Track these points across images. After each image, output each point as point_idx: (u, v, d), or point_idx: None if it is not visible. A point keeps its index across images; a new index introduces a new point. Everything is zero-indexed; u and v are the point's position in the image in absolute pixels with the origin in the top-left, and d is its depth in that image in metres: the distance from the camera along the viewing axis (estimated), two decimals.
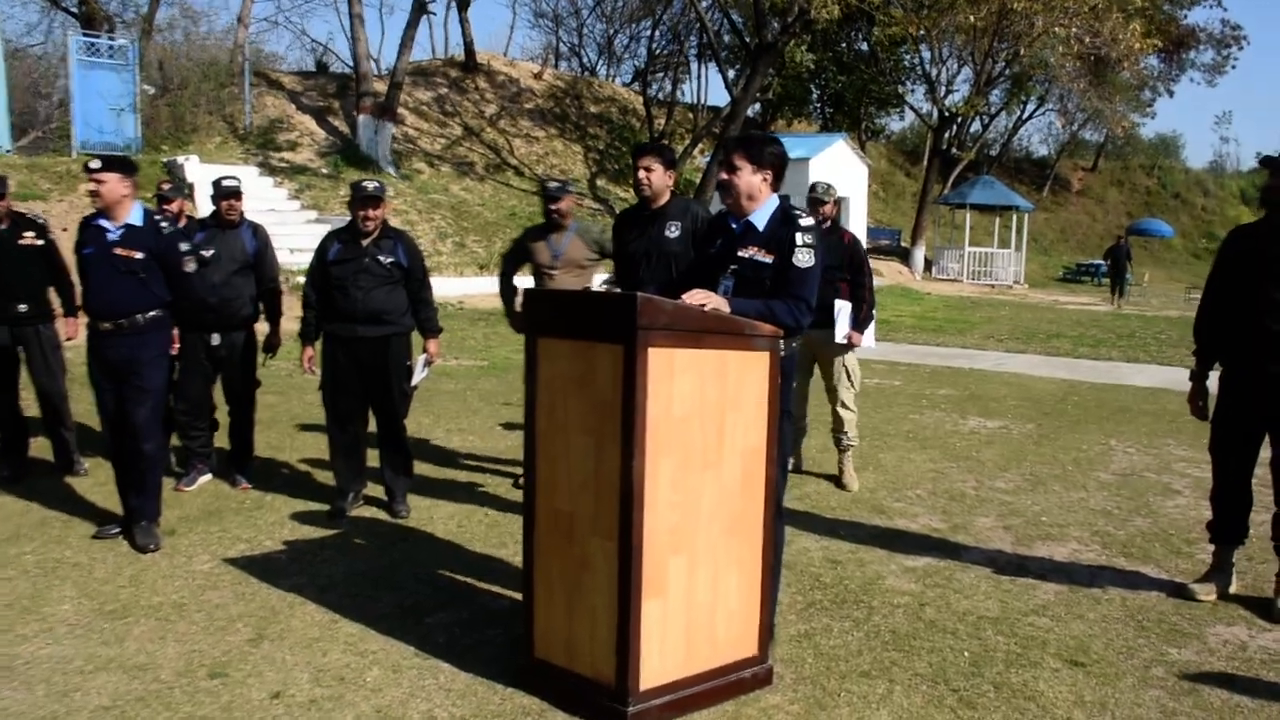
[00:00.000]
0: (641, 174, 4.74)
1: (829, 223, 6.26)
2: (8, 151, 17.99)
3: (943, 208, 30.23)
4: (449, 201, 21.46)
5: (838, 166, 23.16)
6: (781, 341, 3.35)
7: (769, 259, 3.48)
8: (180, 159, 17.82)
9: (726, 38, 26.83)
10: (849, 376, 6.28)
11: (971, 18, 22.94)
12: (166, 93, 23.00)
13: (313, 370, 5.78)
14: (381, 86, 22.38)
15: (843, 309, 6.12)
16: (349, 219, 5.62)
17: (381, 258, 5.52)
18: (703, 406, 3.12)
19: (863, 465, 6.69)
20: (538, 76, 30.35)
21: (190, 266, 5.19)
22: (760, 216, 3.60)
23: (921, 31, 24.45)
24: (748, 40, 21.59)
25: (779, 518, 3.59)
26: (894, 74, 29.84)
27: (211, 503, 5.74)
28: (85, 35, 20.84)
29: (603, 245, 5.92)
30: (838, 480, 6.31)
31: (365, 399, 5.66)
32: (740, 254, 3.53)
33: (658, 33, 28.53)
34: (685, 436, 3.09)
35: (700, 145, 25.50)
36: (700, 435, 3.13)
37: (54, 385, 6.16)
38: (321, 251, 5.66)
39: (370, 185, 5.58)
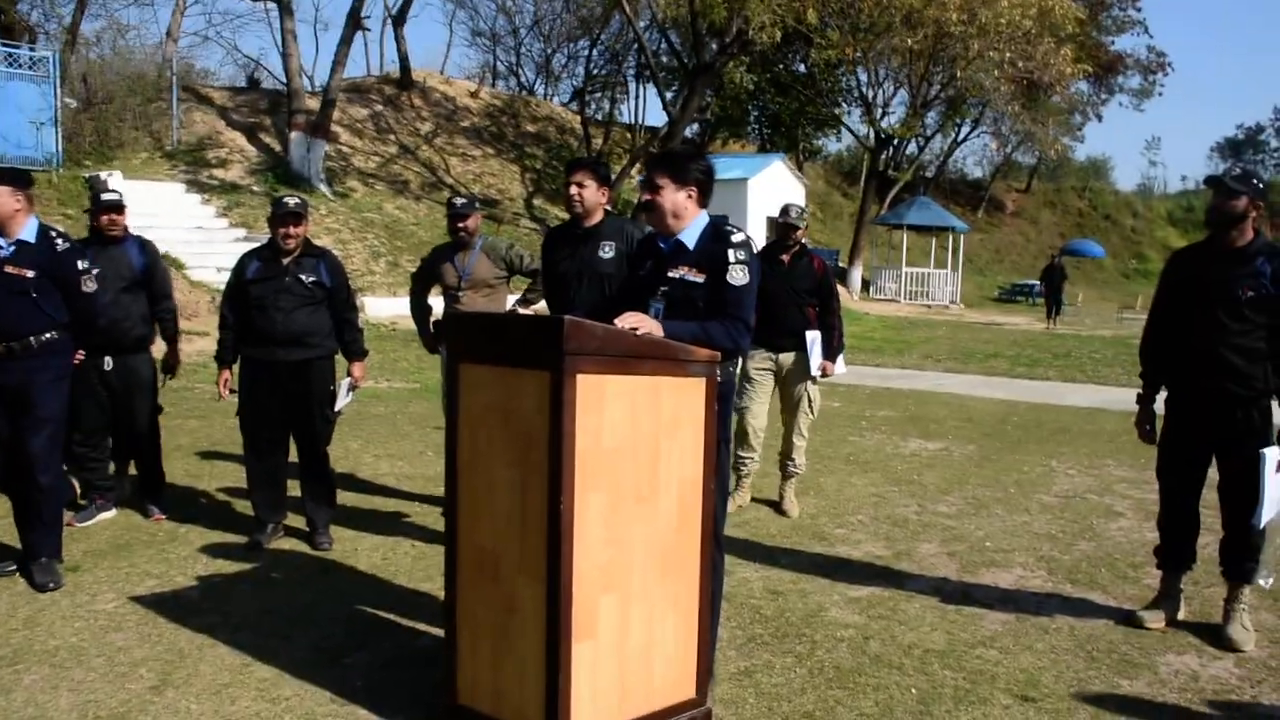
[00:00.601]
0: (573, 189, 4.56)
1: (799, 246, 6.09)
2: None
3: (880, 228, 30.51)
4: (383, 220, 21.09)
5: (776, 187, 23.25)
6: (719, 365, 3.18)
7: (700, 278, 3.31)
8: (103, 174, 17.23)
9: (665, 58, 26.82)
10: (809, 404, 6.13)
11: (908, 41, 23.19)
12: (91, 106, 22.36)
13: (229, 394, 5.49)
14: (315, 103, 21.96)
15: (814, 339, 5.98)
16: (269, 236, 5.36)
17: (303, 276, 5.26)
18: (635, 436, 2.92)
19: (803, 490, 6.54)
20: (474, 95, 30.09)
21: (89, 285, 4.80)
22: (690, 235, 3.43)
23: (858, 54, 24.67)
24: (685, 61, 21.58)
25: (718, 550, 3.41)
26: (831, 95, 30.09)
27: (121, 535, 5.40)
28: (3, 45, 20.18)
29: (511, 262, 5.73)
30: (778, 506, 6.16)
31: (285, 426, 5.38)
32: (670, 274, 3.36)
33: (595, 52, 28.42)
34: (617, 469, 2.88)
35: (638, 165, 25.41)
36: (633, 467, 2.92)
37: None
38: (239, 270, 5.39)
39: (291, 201, 5.33)
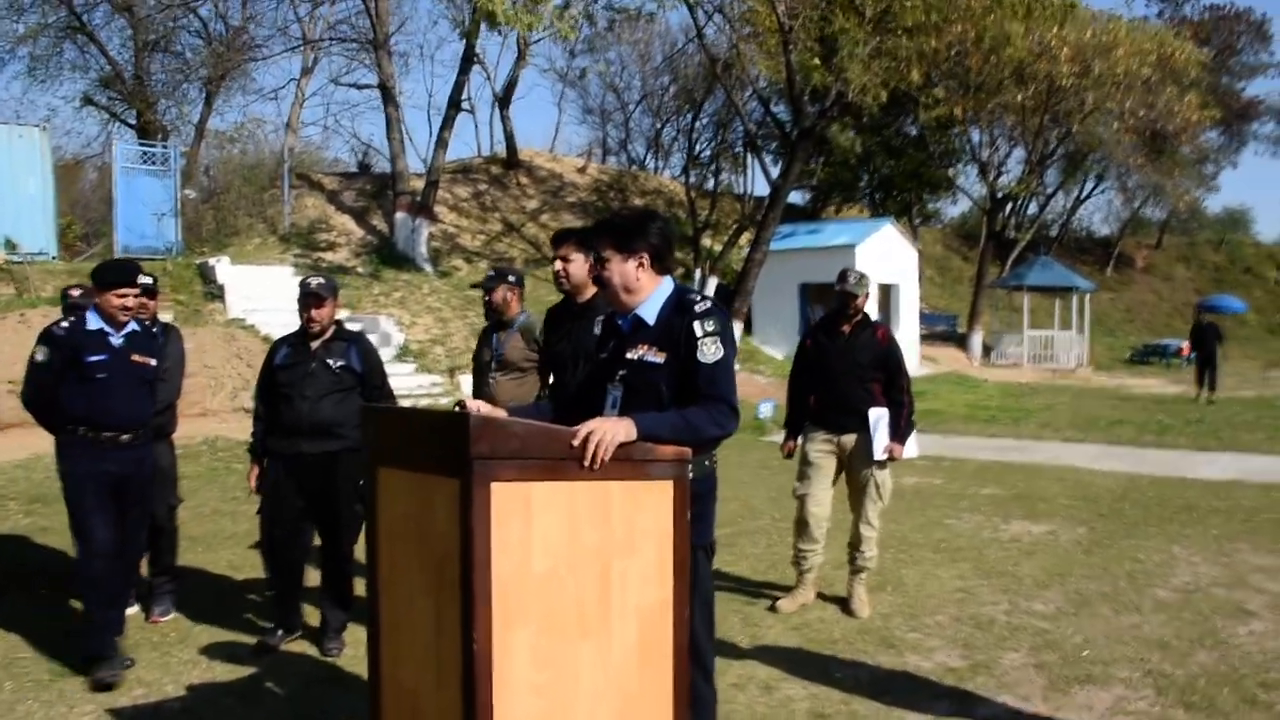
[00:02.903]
0: (558, 265, 4.12)
1: (860, 316, 5.48)
2: (54, 258, 18.15)
3: (1000, 291, 29.22)
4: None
5: (886, 252, 22.44)
6: (693, 463, 2.64)
7: (660, 358, 2.82)
8: (211, 261, 17.76)
9: (767, 126, 26.51)
10: (878, 490, 5.44)
11: (1019, 96, 22.28)
12: (212, 197, 23.31)
13: (261, 490, 5.18)
14: (420, 185, 22.36)
15: (879, 418, 5.32)
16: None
17: (331, 361, 4.97)
18: (575, 556, 2.39)
19: (879, 584, 5.84)
20: (581, 171, 30.32)
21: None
22: (649, 309, 2.94)
23: (969, 113, 23.86)
24: (786, 129, 21.17)
25: (706, 683, 2.82)
26: (944, 157, 29.18)
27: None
28: (130, 144, 21.19)
29: (541, 343, 5.28)
30: (846, 604, 5.47)
31: (308, 522, 5.03)
32: (628, 355, 2.86)
33: (700, 124, 28.30)
34: (552, 597, 2.35)
35: (745, 235, 25.01)
36: (575, 594, 2.39)
37: None
38: (269, 356, 5.15)
39: (314, 281, 5.05)
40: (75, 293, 5.74)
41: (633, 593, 2.48)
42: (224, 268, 17.54)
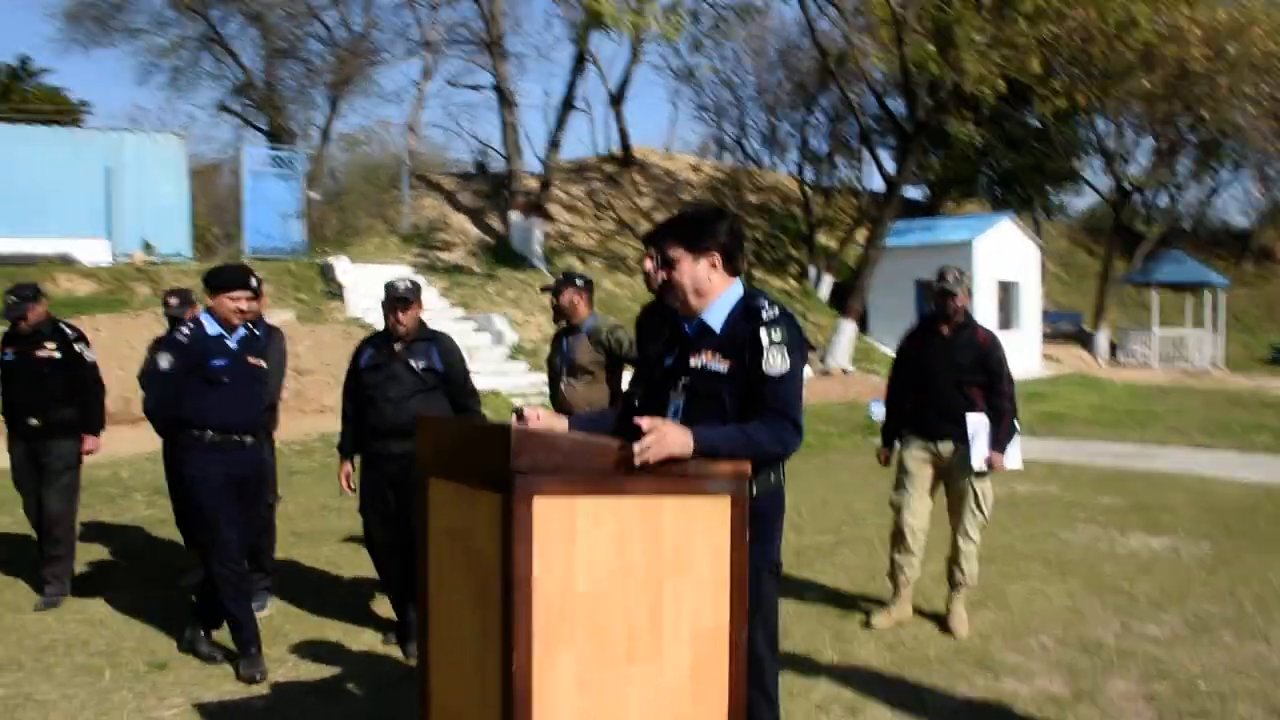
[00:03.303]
0: (648, 264, 4.00)
1: (960, 316, 5.22)
2: (189, 259, 18.99)
3: (1129, 287, 27.93)
4: (598, 296, 21.18)
5: (1004, 248, 21.68)
6: (756, 478, 2.52)
7: (724, 366, 2.67)
8: (332, 260, 18.28)
9: (882, 120, 25.92)
10: (978, 502, 5.17)
11: (1146, 83, 21.22)
12: (337, 198, 24.06)
13: (351, 489, 5.25)
14: (536, 184, 22.62)
15: (978, 426, 5.06)
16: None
17: (414, 362, 4.99)
18: (626, 576, 2.29)
19: (981, 600, 5.58)
20: (695, 168, 30.20)
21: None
22: (716, 314, 2.79)
23: (1093, 101, 22.84)
24: (900, 122, 20.64)
25: (767, 711, 2.68)
26: (1068, 148, 28.01)
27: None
28: (258, 148, 22.06)
29: (612, 347, 5.19)
30: (944, 622, 5.23)
31: (405, 521, 5.08)
32: (691, 363, 2.73)
33: (815, 118, 27.90)
34: (599, 618, 2.26)
35: (861, 230, 24.53)
36: (624, 616, 2.29)
37: (52, 505, 5.74)
38: (354, 358, 5.21)
39: (400, 285, 5.09)
40: (173, 301, 5.91)
41: (686, 615, 2.37)
42: (343, 267, 18.03)
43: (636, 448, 2.33)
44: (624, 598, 2.29)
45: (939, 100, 17.98)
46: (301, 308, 17.10)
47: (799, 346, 2.69)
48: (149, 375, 5.71)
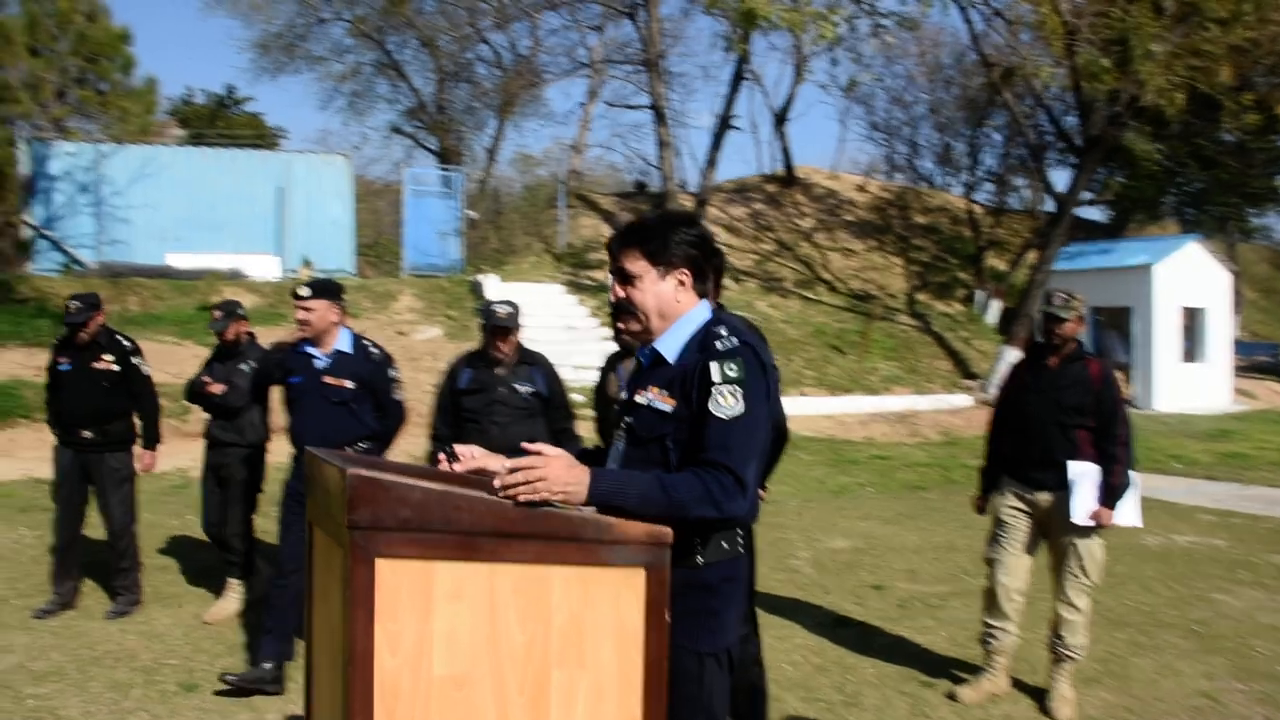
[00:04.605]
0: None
1: (1069, 347, 4.51)
2: (353, 275, 19.67)
3: None
4: (752, 318, 20.74)
5: (1190, 273, 19.89)
6: (706, 544, 2.05)
7: (668, 406, 2.20)
8: (481, 278, 18.52)
9: (1053, 138, 24.39)
10: (1083, 565, 4.43)
11: None
12: (497, 217, 24.53)
13: None
14: (693, 204, 22.40)
15: (1081, 475, 4.34)
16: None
17: (519, 386, 4.87)
18: (498, 661, 1.85)
19: (1099, 674, 4.82)
20: (861, 189, 29.29)
21: (399, 395, 4.86)
22: (672, 341, 2.32)
23: None
24: (1073, 138, 19.30)
25: None
26: (1269, 165, 25.57)
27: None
28: (419, 169, 22.72)
29: None
30: (1044, 700, 4.52)
31: None
32: (637, 399, 2.28)
33: (984, 136, 26.61)
34: (460, 710, 1.82)
35: (1032, 252, 23.12)
36: (494, 709, 1.85)
37: (115, 517, 5.73)
38: (451, 377, 5.03)
39: (502, 311, 4.92)
40: (217, 314, 5.83)
41: (581, 713, 1.91)
42: (493, 285, 18.20)
43: (498, 478, 1.91)
44: (496, 688, 1.85)
45: (1116, 115, 16.65)
46: (450, 324, 17.35)
47: (757, 388, 2.18)
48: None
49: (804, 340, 20.27)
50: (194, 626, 5.51)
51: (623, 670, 1.93)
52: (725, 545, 2.20)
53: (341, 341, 4.74)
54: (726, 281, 22.45)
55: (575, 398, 6.84)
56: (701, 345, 2.24)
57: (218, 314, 5.81)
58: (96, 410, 5.58)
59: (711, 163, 22.26)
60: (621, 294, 2.36)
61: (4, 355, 12.96)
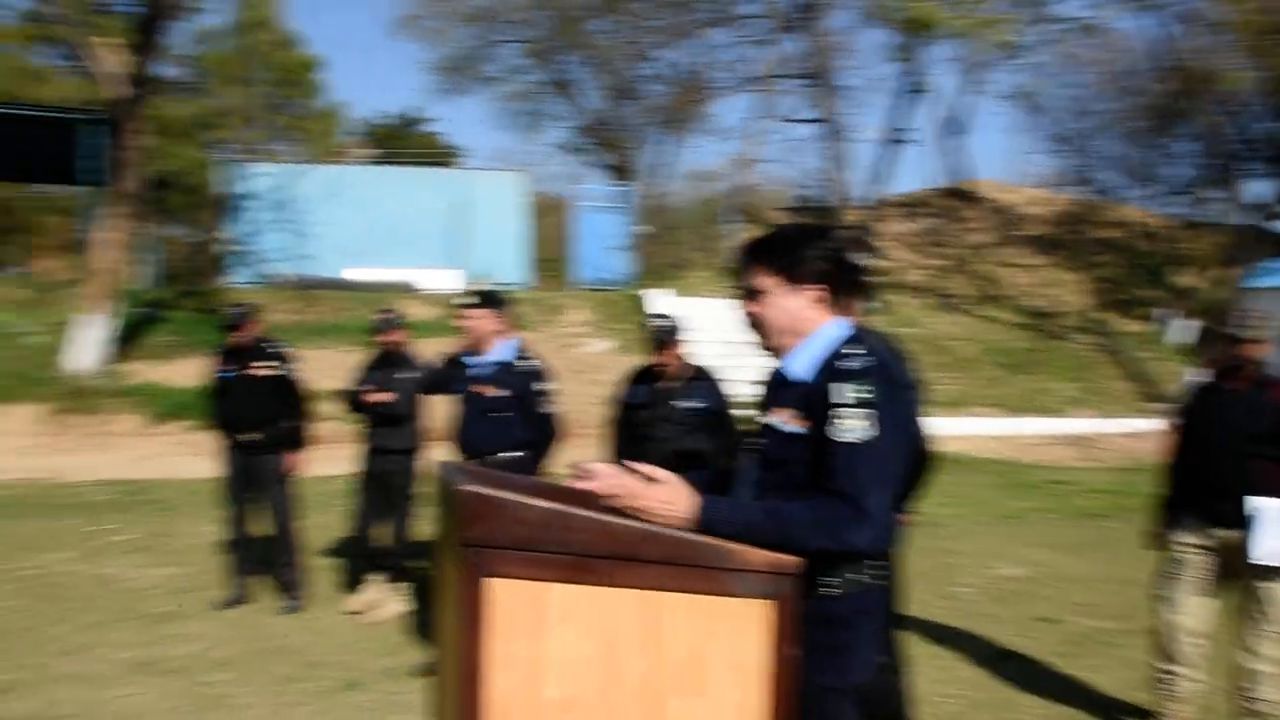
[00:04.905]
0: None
1: (1255, 370, 4.12)
2: (530, 288, 20.22)
3: None
4: (923, 335, 20.18)
5: None
6: (836, 575, 1.96)
7: (801, 428, 2.09)
8: (648, 292, 18.71)
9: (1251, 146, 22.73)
10: (1264, 608, 4.05)
11: None
12: (668, 231, 24.76)
13: None
14: (861, 218, 22.05)
15: (1263, 511, 3.95)
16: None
17: (684, 402, 4.90)
18: (613, 686, 1.80)
19: None
20: (1038, 201, 28.10)
21: (550, 407, 4.87)
22: (802, 359, 2.21)
23: None
24: (1273, 149, 17.97)
25: None
26: None
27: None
28: (591, 185, 23.17)
29: None
30: None
31: None
32: (767, 420, 2.19)
33: (1174, 146, 25.08)
34: None
35: (1219, 269, 21.68)
36: None
37: (278, 517, 6.03)
38: (622, 390, 5.15)
39: (660, 324, 4.98)
40: (380, 320, 6.08)
41: None
42: (662, 299, 18.35)
43: (599, 482, 1.92)
44: (610, 713, 1.82)
45: None
46: (620, 338, 17.59)
47: (889, 410, 2.05)
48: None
49: (978, 359, 19.59)
50: (357, 626, 5.72)
51: (743, 702, 1.86)
52: (855, 576, 2.09)
53: (502, 352, 4.81)
54: (896, 298, 21.99)
55: (748, 413, 6.78)
56: (827, 363, 2.15)
57: (380, 320, 6.01)
58: (258, 414, 5.90)
59: (882, 176, 21.83)
60: (750, 310, 2.29)
61: (204, 362, 13.90)
